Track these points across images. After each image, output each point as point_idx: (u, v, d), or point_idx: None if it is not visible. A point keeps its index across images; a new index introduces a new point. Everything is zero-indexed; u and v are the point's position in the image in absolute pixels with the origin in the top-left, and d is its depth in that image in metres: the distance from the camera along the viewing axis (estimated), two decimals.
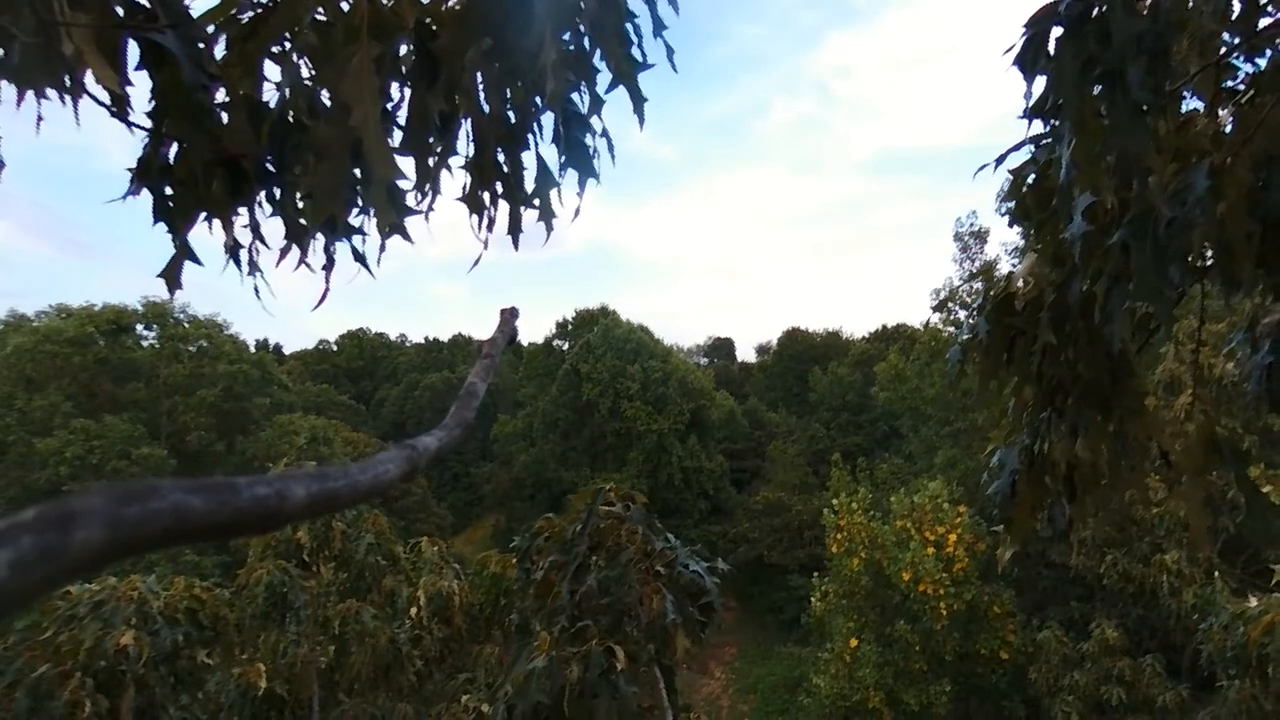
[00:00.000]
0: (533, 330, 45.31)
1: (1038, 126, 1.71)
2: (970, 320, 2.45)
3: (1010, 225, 2.28)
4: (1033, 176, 2.03)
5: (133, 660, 5.73)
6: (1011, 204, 2.16)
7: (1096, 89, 1.41)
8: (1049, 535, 2.58)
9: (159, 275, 1.67)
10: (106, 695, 5.56)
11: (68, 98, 1.54)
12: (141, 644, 5.85)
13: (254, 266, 1.73)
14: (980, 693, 18.62)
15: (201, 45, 1.52)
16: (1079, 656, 15.25)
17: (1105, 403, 2.16)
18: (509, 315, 1.44)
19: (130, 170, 1.60)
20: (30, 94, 1.51)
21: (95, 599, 6.17)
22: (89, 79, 1.54)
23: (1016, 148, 1.99)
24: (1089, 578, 16.23)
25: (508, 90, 1.60)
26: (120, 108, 1.56)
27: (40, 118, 1.55)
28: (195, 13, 1.54)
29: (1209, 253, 1.88)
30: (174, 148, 1.61)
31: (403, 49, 1.52)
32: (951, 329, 26.67)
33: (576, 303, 57.43)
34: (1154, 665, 14.19)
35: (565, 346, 42.60)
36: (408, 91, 1.57)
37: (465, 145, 1.65)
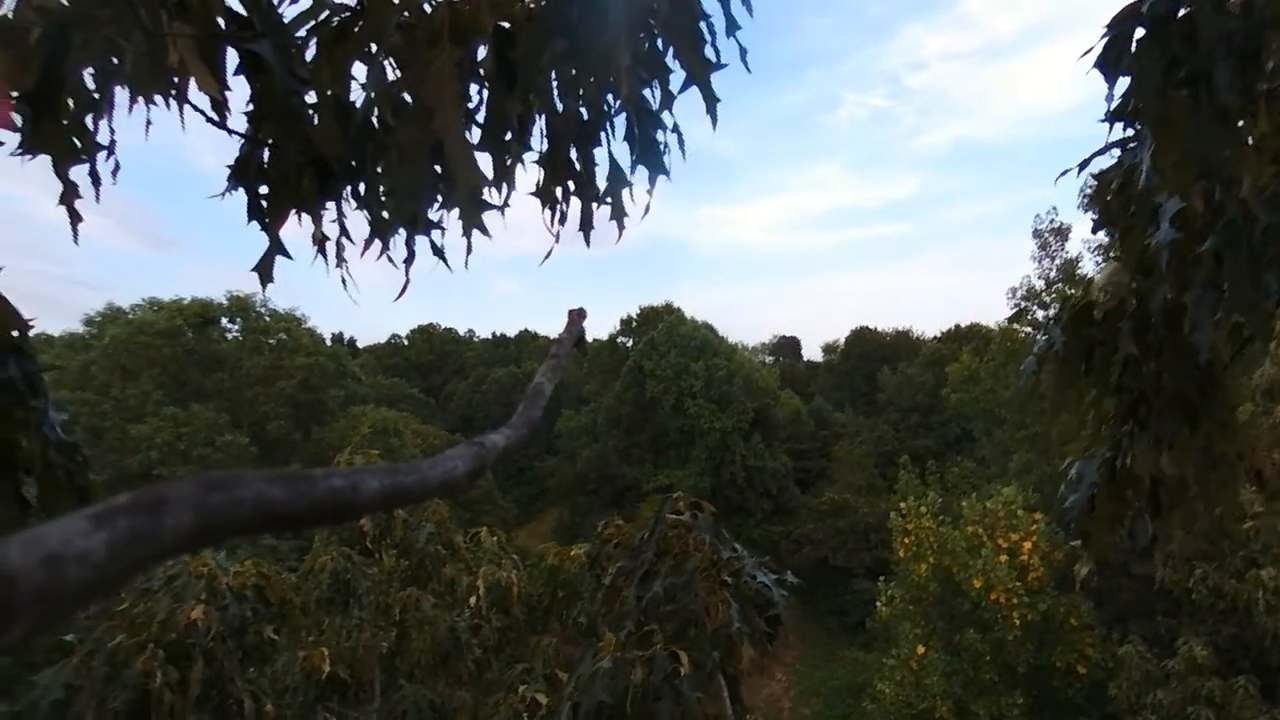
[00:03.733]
0: (595, 327, 45.73)
1: (1120, 130, 1.63)
2: (1047, 326, 2.36)
3: (1094, 231, 2.19)
4: (1117, 182, 1.94)
5: (201, 633, 5.87)
6: (1096, 210, 2.07)
7: (1183, 93, 1.34)
8: (1130, 549, 2.48)
9: (253, 269, 1.73)
10: (176, 666, 5.71)
11: (173, 104, 1.64)
12: (210, 618, 5.99)
13: (340, 259, 1.80)
14: (1055, 706, 17.91)
15: (293, 51, 1.59)
16: (1164, 674, 14.48)
17: (1192, 416, 2.05)
18: (576, 316, 1.45)
19: (229, 168, 1.68)
20: (138, 100, 1.62)
21: (169, 573, 6.31)
22: (190, 87, 1.63)
23: (1101, 151, 1.90)
24: (1176, 592, 15.41)
25: (581, 89, 1.61)
26: (220, 114, 1.65)
27: (149, 122, 1.66)
28: (287, 18, 1.60)
29: None
30: (266, 149, 1.69)
31: (480, 52, 1.54)
32: (1029, 329, 25.66)
33: (637, 299, 57.60)
34: (1247, 687, 13.33)
35: (630, 343, 42.70)
36: (485, 92, 1.59)
37: (539, 141, 1.67)
